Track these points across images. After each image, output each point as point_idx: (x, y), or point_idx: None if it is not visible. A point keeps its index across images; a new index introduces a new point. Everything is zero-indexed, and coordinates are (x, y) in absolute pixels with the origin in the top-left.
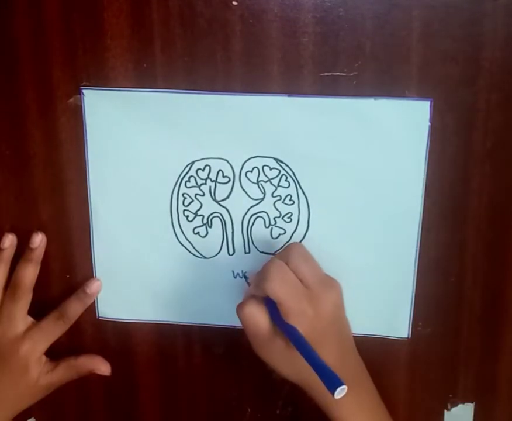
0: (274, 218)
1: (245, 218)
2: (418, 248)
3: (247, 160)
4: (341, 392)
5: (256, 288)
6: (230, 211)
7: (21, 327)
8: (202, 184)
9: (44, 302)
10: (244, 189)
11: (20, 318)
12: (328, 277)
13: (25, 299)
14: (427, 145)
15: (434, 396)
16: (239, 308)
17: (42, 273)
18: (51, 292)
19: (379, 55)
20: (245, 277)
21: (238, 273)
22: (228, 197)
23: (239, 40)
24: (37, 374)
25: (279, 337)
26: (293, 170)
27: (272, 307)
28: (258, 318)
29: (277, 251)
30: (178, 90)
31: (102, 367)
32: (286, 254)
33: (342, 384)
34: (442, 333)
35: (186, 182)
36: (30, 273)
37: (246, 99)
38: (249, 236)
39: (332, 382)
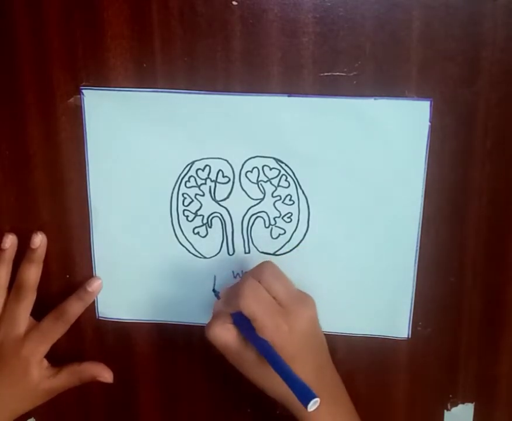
0: (274, 218)
1: (245, 218)
2: (418, 248)
3: (247, 160)
4: (314, 405)
5: (227, 304)
6: (230, 211)
7: (22, 328)
8: (202, 184)
9: (44, 302)
10: (243, 189)
11: (23, 319)
12: (301, 293)
13: (29, 299)
14: (427, 145)
15: (434, 396)
16: (207, 330)
17: (42, 273)
18: (51, 292)
19: (379, 55)
20: (216, 292)
21: (238, 274)
22: (228, 197)
23: (239, 40)
24: (38, 377)
25: (249, 351)
26: (293, 170)
27: (242, 322)
28: (227, 337)
29: (277, 251)
30: (178, 90)
31: (105, 374)
32: (259, 272)
33: (314, 397)
34: (442, 333)
35: (186, 182)
36: (33, 273)
37: (246, 99)
38: (249, 236)
39: (305, 395)
